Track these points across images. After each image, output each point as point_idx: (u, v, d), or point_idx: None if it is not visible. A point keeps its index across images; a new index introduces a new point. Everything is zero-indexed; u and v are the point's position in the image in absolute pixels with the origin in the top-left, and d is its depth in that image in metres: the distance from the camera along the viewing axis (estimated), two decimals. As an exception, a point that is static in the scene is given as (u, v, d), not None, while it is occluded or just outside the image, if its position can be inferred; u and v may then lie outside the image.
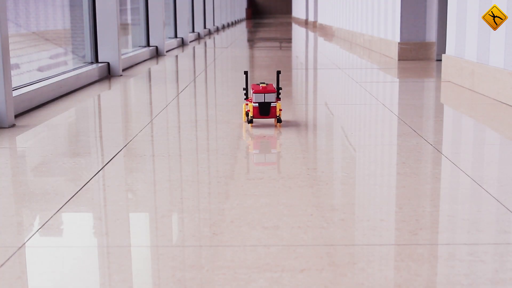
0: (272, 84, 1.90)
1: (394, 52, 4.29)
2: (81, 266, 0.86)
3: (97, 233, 0.99)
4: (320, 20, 9.42)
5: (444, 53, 3.56)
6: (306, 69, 3.65)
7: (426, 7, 4.16)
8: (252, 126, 1.88)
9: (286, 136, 1.73)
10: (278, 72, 1.91)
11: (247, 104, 1.93)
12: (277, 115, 1.87)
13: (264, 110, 1.86)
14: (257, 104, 1.86)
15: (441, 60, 4.05)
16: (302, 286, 0.80)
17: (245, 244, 0.94)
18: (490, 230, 1.00)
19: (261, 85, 1.88)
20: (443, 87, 2.78)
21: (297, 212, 1.09)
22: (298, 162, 1.43)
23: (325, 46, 5.57)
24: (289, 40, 6.93)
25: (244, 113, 1.94)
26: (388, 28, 4.53)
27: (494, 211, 1.09)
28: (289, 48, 5.55)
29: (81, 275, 0.84)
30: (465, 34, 2.80)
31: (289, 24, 12.75)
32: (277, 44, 6.19)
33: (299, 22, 13.50)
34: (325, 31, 8.43)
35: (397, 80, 3.05)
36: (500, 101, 2.34)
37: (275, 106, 1.86)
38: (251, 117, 1.86)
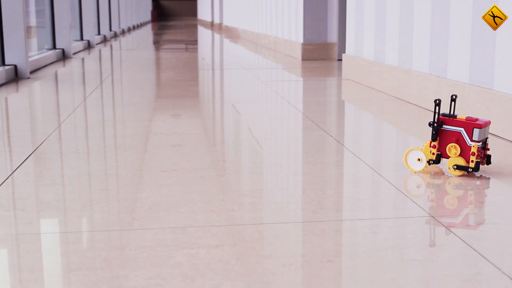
0: None
1: (298, 53, 4.44)
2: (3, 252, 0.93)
3: (21, 223, 1.05)
4: (225, 22, 9.54)
5: (344, 52, 3.73)
6: (213, 69, 3.75)
7: (327, 9, 4.34)
8: (163, 124, 1.95)
9: (195, 132, 1.81)
10: None
11: None
12: None
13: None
14: None
15: (341, 59, 4.24)
16: (217, 258, 0.89)
17: (164, 227, 1.03)
18: (383, 207, 1.12)
19: None
20: (344, 84, 2.94)
21: (209, 198, 1.18)
22: (208, 155, 1.53)
23: (231, 48, 5.68)
24: (195, 42, 7.01)
25: None
26: (291, 29, 4.69)
27: (387, 191, 1.22)
28: (195, 50, 5.63)
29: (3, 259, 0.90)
30: (363, 34, 2.97)
31: (195, 26, 12.83)
32: (183, 46, 6.26)
33: (204, 24, 13.60)
34: (230, 33, 8.56)
35: (301, 79, 3.19)
36: (395, 97, 2.51)
37: None
38: None
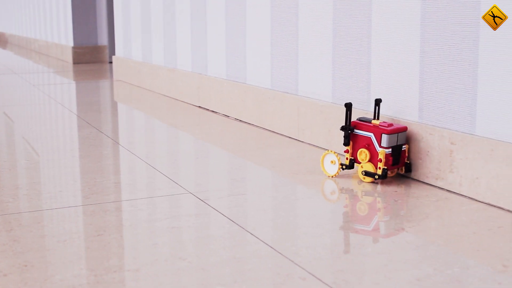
0: None
1: (69, 56, 4.47)
2: None
3: None
4: (-8, 27, 9.16)
5: (115, 55, 3.83)
6: (-18, 75, 3.68)
7: (96, 12, 4.41)
8: None
9: (-32, 136, 1.84)
10: None
11: None
12: None
13: None
14: None
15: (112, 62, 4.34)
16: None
17: None
18: (146, 189, 1.27)
19: None
20: (116, 86, 3.06)
21: (-15, 193, 1.26)
22: (-18, 156, 1.58)
23: None
24: (-40, 48, 6.69)
25: None
26: (61, 33, 4.70)
27: (148, 175, 1.37)
28: (-39, 56, 5.41)
29: None
30: (130, 37, 3.11)
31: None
32: None
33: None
34: (-2, 38, 8.26)
35: (74, 82, 3.25)
36: (162, 94, 2.68)
37: None
38: None
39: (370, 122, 1.32)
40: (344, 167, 1.35)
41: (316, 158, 1.52)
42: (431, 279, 0.85)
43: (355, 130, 1.34)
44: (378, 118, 1.35)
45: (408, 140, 1.33)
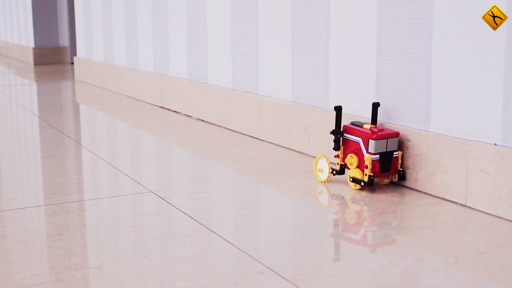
0: None
1: (30, 57, 4.43)
2: None
3: None
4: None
5: (76, 56, 3.81)
6: None
7: (57, 13, 4.39)
8: None
9: None
10: None
11: None
12: None
13: None
14: None
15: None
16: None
17: None
18: (107, 189, 1.28)
19: None
20: (77, 87, 3.05)
21: None
22: None
23: (-41, 54, 5.46)
24: None
25: None
26: (22, 34, 4.66)
27: (110, 175, 1.38)
28: None
29: None
30: (92, 38, 3.10)
31: None
32: None
33: None
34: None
35: (35, 83, 3.23)
36: (124, 95, 2.68)
37: None
38: None
39: (361, 126, 1.27)
40: (334, 172, 1.30)
41: (277, 157, 1.54)
42: (386, 272, 0.87)
43: (345, 135, 1.30)
44: (374, 123, 1.29)
45: (401, 146, 1.28)
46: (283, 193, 1.25)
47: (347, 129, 1.29)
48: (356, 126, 1.28)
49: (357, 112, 1.42)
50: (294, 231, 1.03)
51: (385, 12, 1.32)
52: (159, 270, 0.88)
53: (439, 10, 1.19)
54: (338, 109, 1.30)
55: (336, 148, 1.30)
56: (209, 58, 2.02)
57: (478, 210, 1.14)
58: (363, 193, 1.24)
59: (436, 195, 1.22)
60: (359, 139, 1.26)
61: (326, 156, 1.31)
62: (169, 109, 2.29)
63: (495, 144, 1.11)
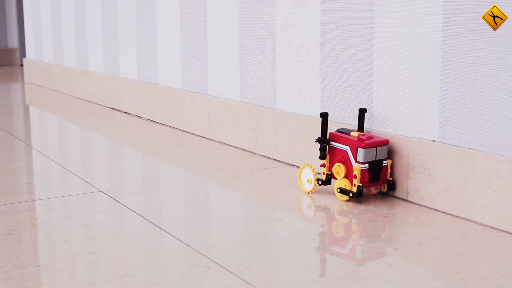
0: None
1: (-22, 59, 4.37)
2: None
3: None
4: None
5: (26, 57, 3.78)
6: None
7: (5, 14, 4.34)
8: None
9: None
10: None
11: None
12: None
13: None
14: None
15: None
16: None
17: None
18: (57, 189, 1.29)
19: None
20: (27, 88, 3.03)
21: None
22: None
23: None
24: None
25: None
26: (-30, 36, 4.59)
27: (61, 175, 1.39)
28: None
29: None
30: (41, 39, 3.08)
31: None
32: None
33: None
34: None
35: (-17, 85, 3.20)
36: (75, 96, 2.68)
37: None
38: None
39: (349, 134, 1.21)
40: (320, 182, 1.23)
41: (226, 156, 1.57)
42: (327, 263, 0.91)
43: (332, 143, 1.23)
44: (362, 130, 1.25)
45: (391, 155, 1.23)
46: (231, 190, 1.28)
47: (333, 137, 1.22)
48: (343, 134, 1.21)
49: (304, 111, 1.45)
50: (241, 227, 1.06)
51: (329, 13, 1.36)
52: (108, 267, 0.90)
53: (379, 11, 1.24)
54: (324, 116, 1.23)
55: (322, 157, 1.23)
56: (159, 59, 2.04)
57: (418, 204, 1.18)
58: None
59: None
60: (346, 148, 1.20)
61: (310, 165, 1.23)
62: (120, 110, 2.30)
63: (433, 141, 1.16)
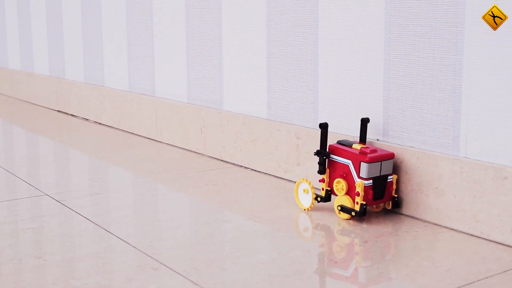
0: None
1: None
2: None
3: None
4: None
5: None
6: None
7: None
8: None
9: None
10: None
11: None
12: None
13: None
14: None
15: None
16: None
17: None
18: (2, 193, 1.28)
19: None
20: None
21: None
22: None
23: None
24: None
25: None
26: None
27: (6, 180, 1.37)
28: None
29: None
30: (-15, 41, 3.03)
31: None
32: None
33: None
34: None
35: None
36: (20, 99, 2.64)
37: None
38: None
39: (350, 146, 1.10)
40: (319, 199, 1.13)
41: (174, 157, 1.57)
42: (275, 262, 0.92)
43: (332, 156, 1.12)
44: (364, 142, 1.15)
45: (396, 169, 1.13)
46: (179, 192, 1.28)
47: (333, 150, 1.12)
48: (344, 146, 1.11)
49: (251, 112, 1.46)
50: (188, 228, 1.07)
51: (274, 15, 1.37)
52: (54, 270, 0.90)
53: (324, 13, 1.26)
54: (324, 127, 1.13)
55: (321, 171, 1.13)
56: (105, 60, 2.02)
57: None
58: (256, 187, 1.28)
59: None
60: (348, 162, 1.09)
61: (308, 180, 1.13)
62: (66, 113, 2.27)
63: (377, 140, 1.18)
